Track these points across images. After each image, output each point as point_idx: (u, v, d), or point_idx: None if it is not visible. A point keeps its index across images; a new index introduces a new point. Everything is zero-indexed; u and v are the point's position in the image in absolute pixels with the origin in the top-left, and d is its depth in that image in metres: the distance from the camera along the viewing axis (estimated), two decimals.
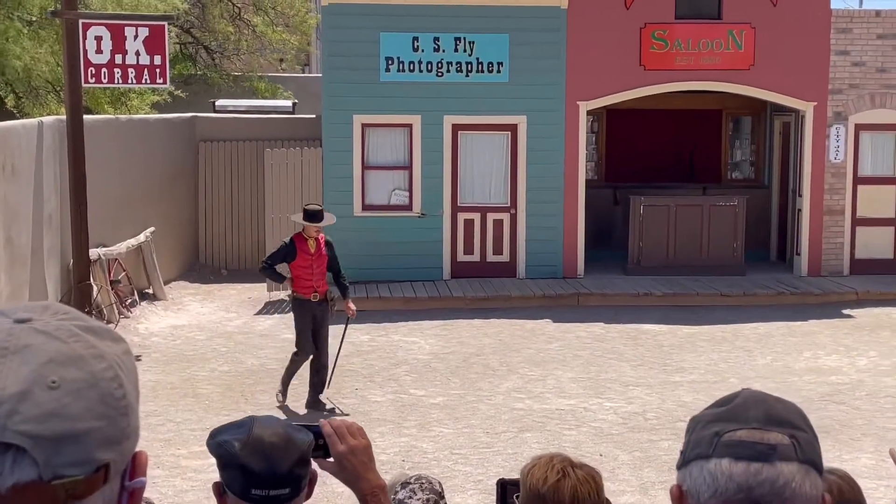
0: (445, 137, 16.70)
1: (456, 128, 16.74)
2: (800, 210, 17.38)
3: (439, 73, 16.53)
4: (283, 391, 10.78)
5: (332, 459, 2.17)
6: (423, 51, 16.49)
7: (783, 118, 18.48)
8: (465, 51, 16.51)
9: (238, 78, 22.73)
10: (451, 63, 16.52)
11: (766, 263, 18.24)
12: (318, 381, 10.71)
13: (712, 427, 1.58)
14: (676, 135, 19.48)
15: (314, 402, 10.66)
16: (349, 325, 11.42)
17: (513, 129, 16.79)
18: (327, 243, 10.74)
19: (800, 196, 17.41)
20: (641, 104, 17.65)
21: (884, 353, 12.94)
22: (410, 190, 16.77)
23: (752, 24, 16.78)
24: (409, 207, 16.78)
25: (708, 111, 19.28)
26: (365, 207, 16.65)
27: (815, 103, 17.01)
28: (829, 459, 9.09)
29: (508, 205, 16.89)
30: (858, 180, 17.28)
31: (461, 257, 16.87)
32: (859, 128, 17.17)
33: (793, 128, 17.93)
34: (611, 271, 17.18)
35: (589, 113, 17.43)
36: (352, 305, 10.86)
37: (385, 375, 12.01)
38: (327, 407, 10.66)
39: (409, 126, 16.67)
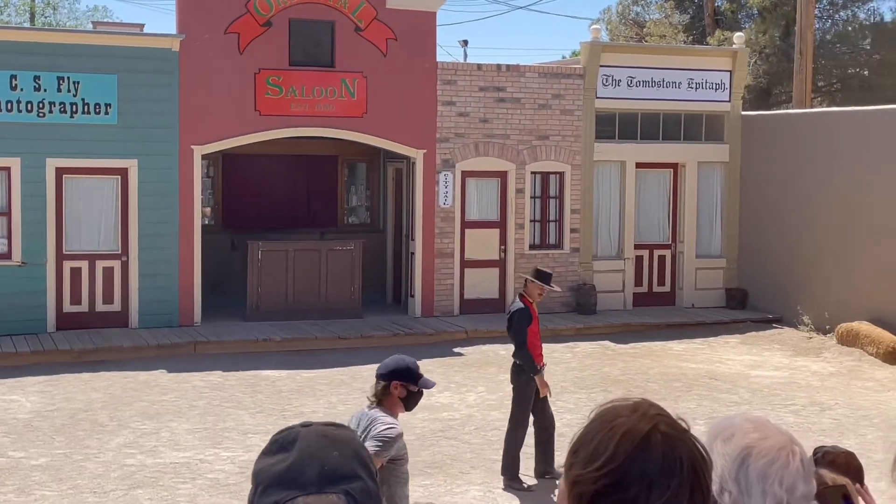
0: (48, 181, 15.73)
1: (60, 171, 15.82)
2: (413, 253, 17.96)
3: (41, 114, 15.57)
4: (517, 481, 9.59)
5: None
6: (22, 90, 15.48)
7: (396, 164, 19.08)
8: (69, 91, 15.67)
9: None
10: (53, 103, 15.62)
11: (383, 305, 18.67)
12: (550, 445, 9.64)
13: (272, 496, 1.63)
14: (294, 180, 19.56)
15: (548, 470, 9.61)
16: None
17: (123, 173, 16.11)
18: None
19: (412, 240, 18.00)
20: (259, 149, 17.58)
21: (491, 388, 13.53)
22: (9, 237, 15.63)
23: (364, 74, 17.20)
24: (7, 256, 15.63)
25: (324, 157, 19.54)
26: None
27: (425, 151, 17.70)
28: (440, 494, 9.30)
29: (119, 251, 16.16)
30: (466, 224, 18.12)
31: (67, 308, 15.92)
32: (466, 174, 18.05)
33: (405, 174, 18.55)
34: (230, 318, 16.86)
35: (204, 157, 17.11)
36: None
37: None
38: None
39: (8, 169, 15.57)
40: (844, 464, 3.68)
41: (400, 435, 5.53)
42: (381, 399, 5.69)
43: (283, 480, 1.63)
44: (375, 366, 14.29)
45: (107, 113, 15.90)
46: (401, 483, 5.67)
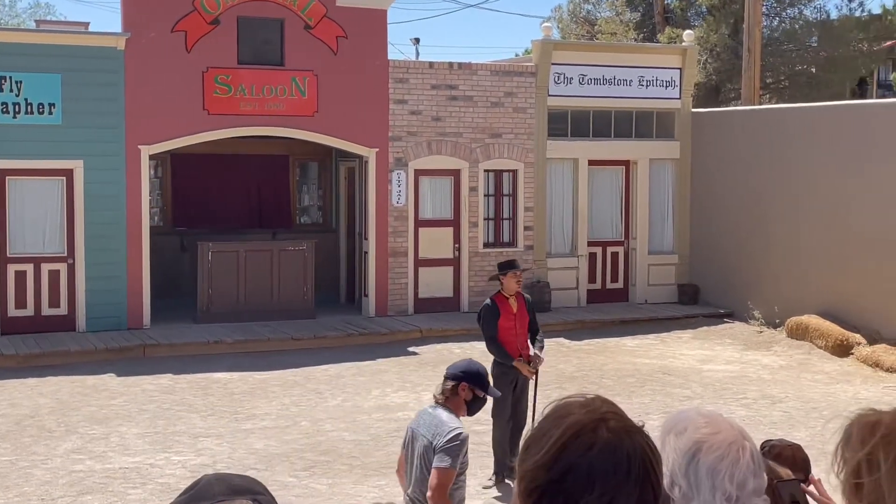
0: None
1: (3, 173, 15.56)
2: (366, 252, 17.86)
3: None
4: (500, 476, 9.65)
5: None
6: None
7: (348, 163, 18.96)
8: (11, 91, 15.40)
9: None
10: None
11: (336, 305, 18.55)
12: (515, 443, 9.49)
13: None
14: (245, 180, 19.38)
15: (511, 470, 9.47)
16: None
17: (68, 174, 15.86)
18: (527, 301, 9.82)
19: (366, 239, 17.90)
20: (208, 149, 17.39)
21: None
22: None
23: (314, 72, 17.07)
24: None
25: (275, 156, 19.39)
26: None
27: (377, 149, 17.59)
28: (396, 494, 9.20)
29: (66, 254, 15.91)
30: (419, 223, 18.05)
31: (12, 312, 15.67)
32: (418, 173, 17.98)
33: (357, 173, 18.44)
34: (180, 320, 16.66)
35: (152, 157, 16.89)
36: (540, 354, 9.83)
37: None
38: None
39: None
40: (791, 457, 3.67)
41: (466, 439, 5.61)
42: (448, 398, 5.76)
43: (191, 500, 1.68)
44: (329, 366, 14.30)
45: (51, 113, 15.64)
46: (458, 487, 5.70)
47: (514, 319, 9.78)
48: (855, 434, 2.36)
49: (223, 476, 1.74)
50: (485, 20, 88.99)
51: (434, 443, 5.52)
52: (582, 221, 19.11)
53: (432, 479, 5.48)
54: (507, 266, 9.98)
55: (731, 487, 2.10)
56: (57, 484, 9.55)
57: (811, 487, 2.97)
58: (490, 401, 9.48)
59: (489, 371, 9.76)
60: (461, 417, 5.77)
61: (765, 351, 16.14)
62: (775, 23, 30.19)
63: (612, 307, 18.81)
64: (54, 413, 12.06)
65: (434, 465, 5.49)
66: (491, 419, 9.80)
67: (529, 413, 9.84)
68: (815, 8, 30.31)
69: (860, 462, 2.32)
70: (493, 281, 10.57)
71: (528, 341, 9.90)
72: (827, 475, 2.53)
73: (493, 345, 9.72)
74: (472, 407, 5.86)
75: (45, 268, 15.86)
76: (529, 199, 18.64)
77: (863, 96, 31.47)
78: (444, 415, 5.67)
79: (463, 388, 5.78)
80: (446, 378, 5.86)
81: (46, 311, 15.87)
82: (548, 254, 18.85)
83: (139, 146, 16.21)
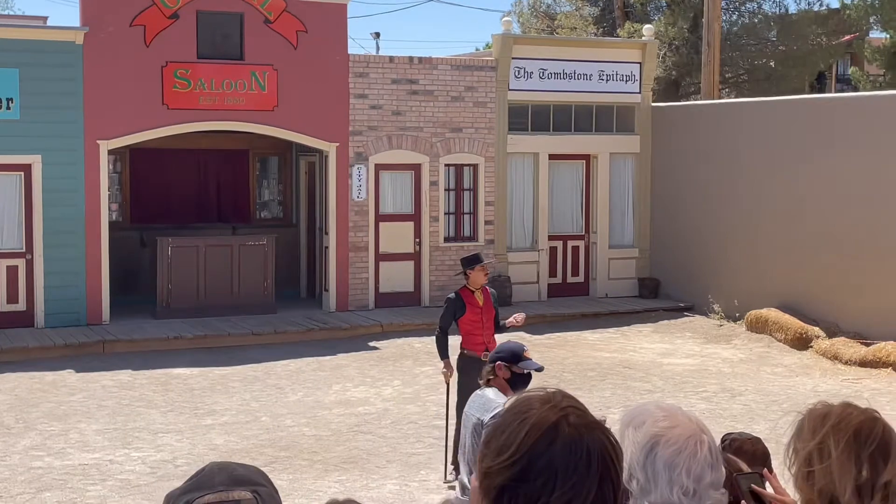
0: None
1: None
2: (327, 247, 17.82)
3: None
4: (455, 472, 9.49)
5: None
6: None
7: (308, 158, 18.90)
8: None
9: None
10: None
11: (297, 300, 18.50)
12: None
13: (182, 499, 1.74)
14: (204, 175, 19.26)
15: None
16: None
17: (26, 169, 15.70)
18: (492, 295, 9.79)
19: (326, 234, 17.85)
20: (168, 144, 17.28)
21: (406, 382, 13.50)
22: None
23: (274, 66, 17.00)
24: None
25: (235, 151, 19.28)
26: None
27: (338, 144, 17.55)
28: (357, 489, 9.22)
29: (24, 250, 15.77)
30: (380, 217, 18.02)
31: None
32: (379, 167, 17.95)
33: (318, 167, 18.39)
34: (139, 316, 16.55)
35: (111, 152, 16.75)
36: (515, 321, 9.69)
37: None
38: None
39: None
40: (750, 450, 3.71)
41: None
42: (490, 381, 6.12)
43: (192, 487, 1.73)
44: (289, 361, 14.25)
45: (9, 108, 15.47)
46: None
47: (480, 313, 9.75)
48: (806, 426, 2.40)
49: (226, 465, 1.77)
50: (445, 14, 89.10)
51: (482, 419, 5.71)
52: (543, 216, 19.17)
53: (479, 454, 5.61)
54: (475, 260, 9.94)
55: (688, 481, 2.12)
56: (16, 481, 9.48)
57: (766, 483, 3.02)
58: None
59: (456, 363, 9.80)
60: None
61: (725, 344, 16.28)
62: (734, 17, 30.42)
63: (572, 301, 18.90)
64: (12, 410, 11.94)
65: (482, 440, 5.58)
66: (455, 415, 9.75)
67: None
68: (773, 3, 30.56)
69: (811, 451, 2.37)
70: (461, 275, 10.48)
71: (494, 334, 9.87)
72: (781, 470, 2.57)
73: (442, 338, 9.72)
74: (514, 384, 6.09)
75: (3, 263, 15.70)
76: (490, 194, 18.67)
77: (821, 91, 31.78)
78: (490, 393, 5.93)
79: (499, 368, 6.11)
80: (487, 364, 6.27)
81: (4, 307, 15.71)
82: (508, 248, 18.90)
83: (98, 141, 16.07)
